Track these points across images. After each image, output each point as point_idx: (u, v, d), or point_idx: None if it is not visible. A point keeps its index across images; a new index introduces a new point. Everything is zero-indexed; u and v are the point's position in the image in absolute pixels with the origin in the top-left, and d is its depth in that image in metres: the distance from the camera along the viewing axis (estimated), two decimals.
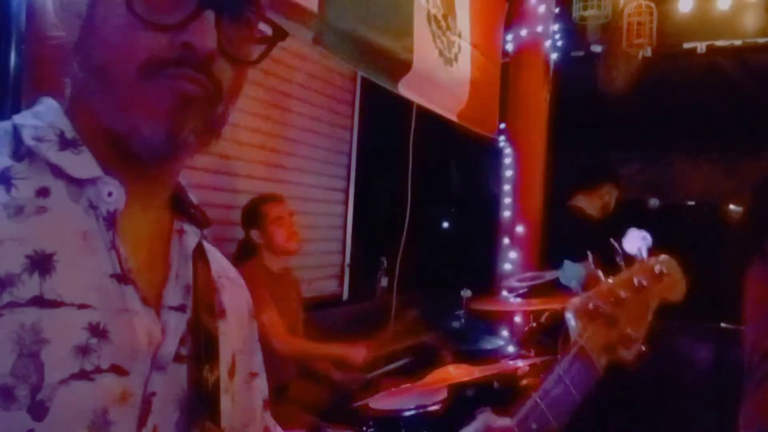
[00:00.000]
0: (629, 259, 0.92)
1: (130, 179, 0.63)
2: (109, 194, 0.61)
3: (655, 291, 0.88)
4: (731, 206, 3.46)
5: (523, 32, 3.65)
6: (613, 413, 2.91)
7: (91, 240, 0.59)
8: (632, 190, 3.50)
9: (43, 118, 0.63)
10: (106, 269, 0.59)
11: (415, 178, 3.08)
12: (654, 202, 3.35)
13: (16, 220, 0.57)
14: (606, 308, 0.84)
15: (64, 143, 0.61)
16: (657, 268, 0.90)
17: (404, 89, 2.47)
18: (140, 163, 0.63)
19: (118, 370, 0.58)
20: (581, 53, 3.79)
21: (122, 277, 0.60)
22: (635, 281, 0.88)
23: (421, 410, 2.26)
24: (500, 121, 3.63)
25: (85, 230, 0.59)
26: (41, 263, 0.56)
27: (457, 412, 2.35)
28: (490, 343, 3.09)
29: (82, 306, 0.56)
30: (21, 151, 0.61)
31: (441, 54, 2.66)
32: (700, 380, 3.41)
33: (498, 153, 3.79)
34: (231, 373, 0.72)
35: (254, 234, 2.60)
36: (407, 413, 2.26)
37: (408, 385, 2.43)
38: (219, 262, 0.78)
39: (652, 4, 3.45)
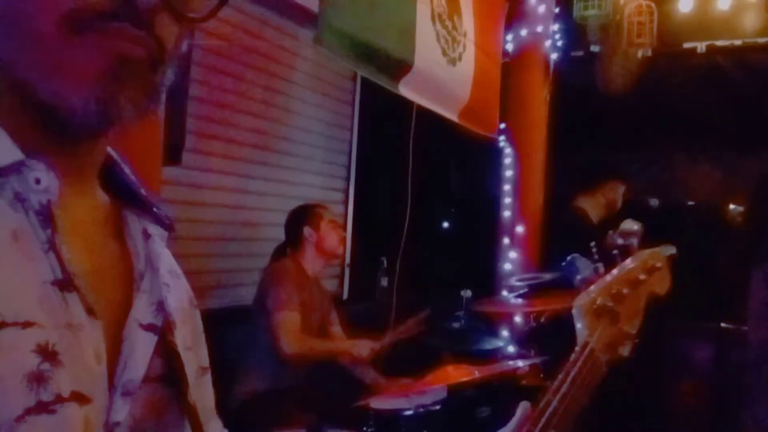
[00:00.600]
0: (625, 252, 0.92)
1: (57, 159, 0.51)
2: (37, 181, 0.49)
3: (649, 284, 0.89)
4: (731, 206, 3.46)
5: (524, 32, 3.65)
6: (613, 413, 2.91)
7: (23, 241, 0.48)
8: (632, 190, 3.49)
9: None
10: (45, 275, 0.48)
11: (415, 178, 3.08)
12: (654, 202, 3.34)
13: None
14: (609, 305, 0.84)
15: None
16: (651, 262, 0.90)
17: (405, 89, 2.46)
18: (67, 138, 0.52)
19: (80, 397, 0.48)
20: (581, 53, 3.79)
21: (65, 284, 0.49)
22: (634, 276, 0.87)
23: (421, 410, 2.26)
24: (500, 121, 3.63)
25: (14, 229, 0.48)
26: None
27: (457, 412, 2.36)
28: (490, 344, 3.08)
29: (26, 324, 0.46)
30: None
31: (444, 53, 2.66)
32: (700, 380, 3.41)
33: (498, 153, 3.79)
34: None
35: (306, 231, 2.65)
36: (407, 413, 2.26)
37: (408, 384, 2.43)
38: (164, 258, 0.67)
39: (653, 4, 3.45)
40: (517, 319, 3.52)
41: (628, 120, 3.64)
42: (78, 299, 0.50)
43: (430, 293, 3.74)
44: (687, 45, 3.62)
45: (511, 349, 3.24)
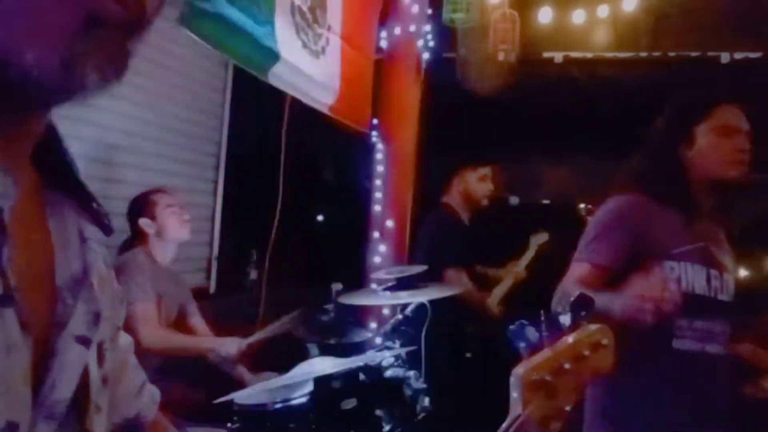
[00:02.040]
0: (574, 324, 0.87)
1: (6, 144, 0.44)
2: None
3: (592, 361, 0.84)
4: (581, 205, 3.75)
5: (397, 30, 3.71)
6: (462, 398, 3.06)
7: None
8: (495, 189, 3.67)
9: None
10: None
11: (288, 169, 3.05)
12: (514, 200, 3.55)
13: None
14: (549, 379, 0.79)
15: None
16: (596, 337, 0.85)
17: (275, 79, 2.43)
18: (16, 109, 0.44)
19: (12, 427, 0.42)
20: (452, 55, 3.93)
21: (6, 300, 0.42)
22: (578, 351, 0.83)
23: (287, 403, 2.24)
24: (373, 117, 3.68)
25: None
26: None
27: (323, 405, 2.36)
28: (358, 336, 3.11)
29: None
30: None
31: (305, 46, 2.64)
32: None
33: (371, 148, 3.84)
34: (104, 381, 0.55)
35: (143, 222, 2.54)
36: (273, 407, 2.24)
37: (273, 379, 2.40)
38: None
39: (515, 13, 3.65)
40: (385, 311, 3.59)
41: (492, 121, 3.83)
42: (14, 314, 0.42)
43: (301, 286, 3.72)
44: (546, 54, 3.86)
45: (378, 340, 3.30)
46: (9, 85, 0.41)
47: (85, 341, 0.50)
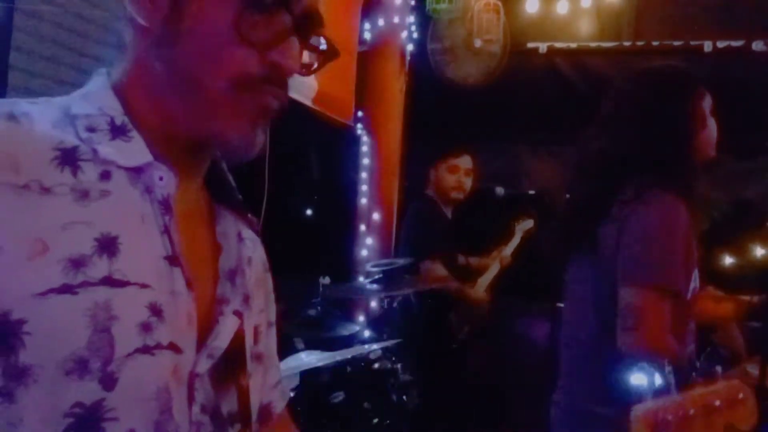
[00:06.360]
0: (709, 376, 0.87)
1: (179, 162, 0.67)
2: (161, 178, 0.65)
3: (726, 415, 0.82)
4: (567, 195, 3.74)
5: (380, 22, 3.69)
6: (450, 389, 3.07)
7: (147, 223, 0.64)
8: (481, 180, 3.67)
9: (93, 101, 0.66)
10: (159, 251, 0.64)
11: (273, 163, 3.02)
12: (500, 190, 3.53)
13: (83, 204, 0.60)
14: (670, 419, 0.78)
15: (115, 131, 0.65)
16: (733, 391, 0.83)
17: None
18: (194, 151, 0.70)
19: (174, 347, 0.63)
20: (436, 46, 3.91)
21: (173, 259, 0.64)
22: (708, 400, 0.82)
23: None
24: (358, 109, 3.66)
25: (143, 213, 0.64)
26: (108, 245, 0.60)
27: (310, 399, 2.36)
28: (346, 329, 3.11)
29: (144, 286, 0.61)
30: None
31: None
32: (536, 357, 3.67)
33: (356, 140, 3.82)
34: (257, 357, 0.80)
35: None
36: None
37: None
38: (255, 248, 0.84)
39: (500, 3, 3.64)
40: (372, 304, 3.59)
41: (476, 113, 3.81)
42: (181, 273, 0.65)
43: (288, 281, 3.70)
44: (531, 44, 3.86)
45: (366, 333, 3.30)
46: (211, 150, 0.72)
47: (238, 314, 0.72)
